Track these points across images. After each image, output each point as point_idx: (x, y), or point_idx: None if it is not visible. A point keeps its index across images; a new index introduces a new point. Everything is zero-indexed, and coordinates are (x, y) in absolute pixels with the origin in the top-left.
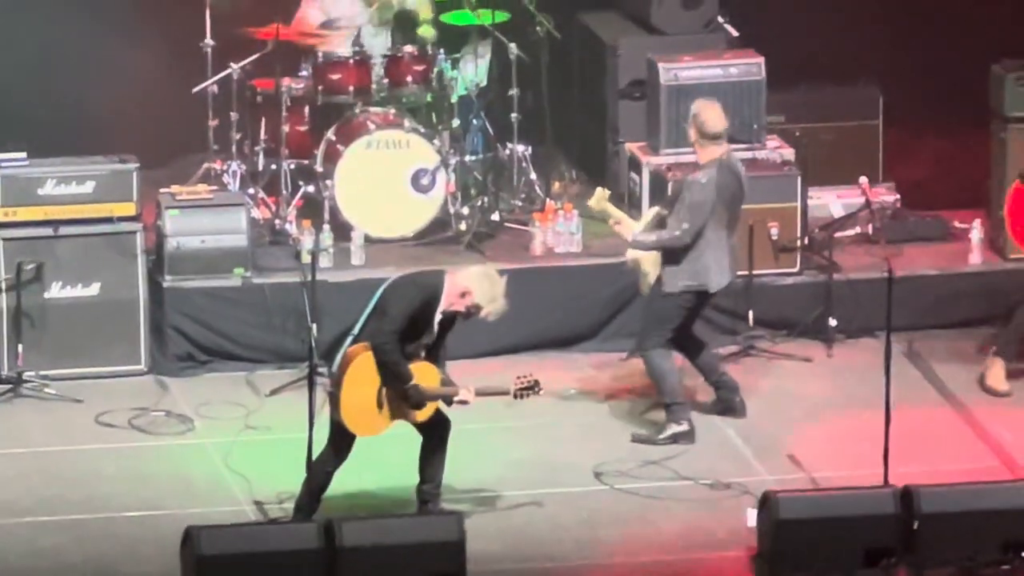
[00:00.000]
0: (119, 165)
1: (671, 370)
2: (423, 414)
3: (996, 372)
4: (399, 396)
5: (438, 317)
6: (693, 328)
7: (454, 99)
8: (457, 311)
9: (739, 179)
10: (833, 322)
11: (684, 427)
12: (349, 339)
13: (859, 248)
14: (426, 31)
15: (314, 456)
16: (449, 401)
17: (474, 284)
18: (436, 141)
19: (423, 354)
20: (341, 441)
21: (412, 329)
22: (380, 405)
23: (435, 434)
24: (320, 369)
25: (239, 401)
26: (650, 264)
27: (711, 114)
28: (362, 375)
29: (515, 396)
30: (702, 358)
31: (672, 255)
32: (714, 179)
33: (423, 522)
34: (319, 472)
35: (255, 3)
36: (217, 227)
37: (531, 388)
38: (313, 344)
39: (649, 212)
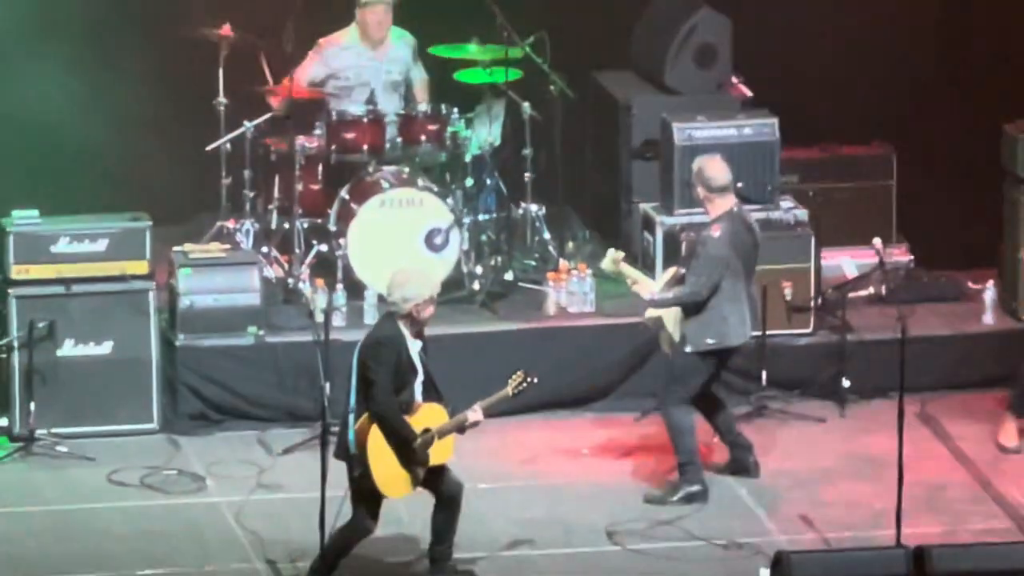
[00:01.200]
0: (132, 223)
1: (690, 429)
2: (441, 457)
3: (1007, 429)
4: (414, 454)
5: (415, 352)
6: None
7: (468, 158)
8: (418, 331)
9: (752, 230)
10: (846, 382)
11: (697, 487)
12: (351, 418)
13: (872, 308)
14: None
15: (335, 522)
16: (463, 428)
17: (409, 292)
18: (450, 200)
19: (420, 397)
20: (372, 507)
21: (399, 379)
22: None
23: (449, 495)
24: (332, 429)
25: (251, 460)
26: (671, 321)
27: (715, 168)
28: (381, 445)
29: (513, 394)
30: (720, 416)
31: (693, 311)
32: (728, 231)
33: None
34: (351, 539)
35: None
36: (230, 286)
37: (525, 381)
38: (326, 403)
39: (667, 272)
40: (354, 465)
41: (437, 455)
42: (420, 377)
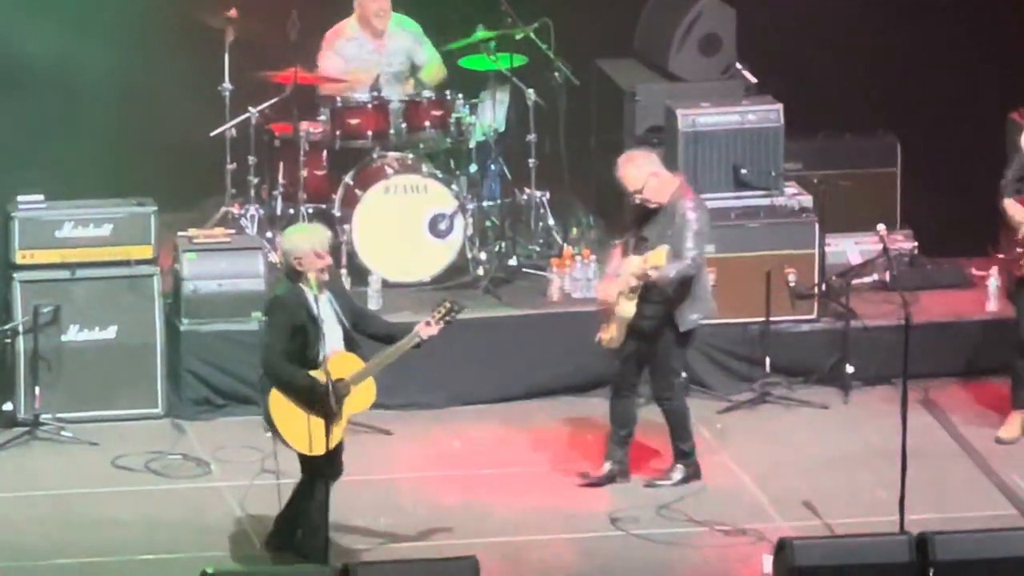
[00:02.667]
0: (137, 208)
1: (688, 412)
2: (360, 405)
3: (1010, 421)
4: (323, 403)
5: (321, 306)
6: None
7: (472, 144)
8: (321, 279)
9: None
10: (850, 369)
11: (693, 468)
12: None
13: (876, 295)
14: (428, 80)
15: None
16: (419, 344)
17: (297, 246)
18: (454, 186)
19: (341, 347)
20: (319, 465)
21: (301, 336)
22: (316, 418)
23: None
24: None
25: (255, 445)
26: (629, 311)
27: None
28: (282, 404)
29: (437, 322)
30: (628, 407)
31: (679, 291)
32: (701, 205)
33: (438, 567)
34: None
35: (274, 47)
36: (234, 271)
37: (452, 312)
38: (330, 388)
39: (619, 261)
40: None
41: (356, 404)
42: (335, 331)
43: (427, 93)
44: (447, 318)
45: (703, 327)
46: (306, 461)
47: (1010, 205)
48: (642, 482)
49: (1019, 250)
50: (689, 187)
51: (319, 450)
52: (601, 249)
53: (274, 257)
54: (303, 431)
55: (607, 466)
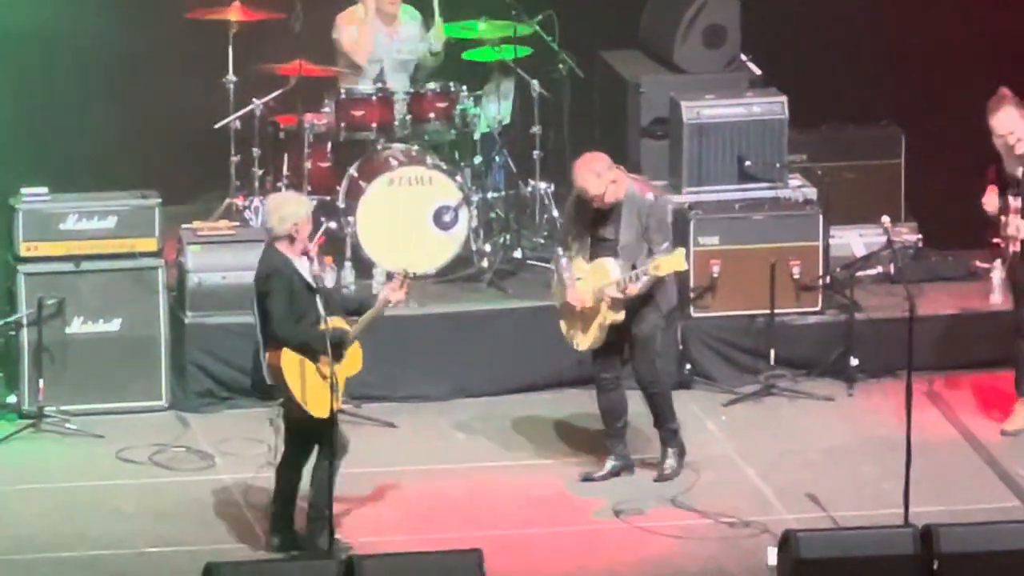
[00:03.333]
0: (141, 200)
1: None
2: (350, 369)
3: (1016, 414)
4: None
5: (307, 273)
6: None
7: (476, 136)
8: (309, 253)
9: None
10: (854, 361)
11: (680, 444)
12: (261, 354)
13: (880, 287)
14: (436, 38)
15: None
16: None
17: (296, 212)
18: (458, 178)
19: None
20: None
21: (299, 304)
22: (324, 377)
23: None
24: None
25: (259, 437)
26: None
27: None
28: (295, 368)
29: (402, 283)
30: (618, 398)
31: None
32: (656, 189)
33: (443, 559)
34: (293, 476)
35: (278, 39)
36: (239, 263)
37: (406, 276)
38: (334, 380)
39: (609, 264)
40: (276, 396)
41: (347, 367)
42: (318, 296)
43: (431, 85)
44: (407, 280)
45: (707, 320)
46: (314, 433)
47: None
48: (644, 472)
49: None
50: (637, 178)
51: (324, 412)
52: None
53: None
54: (318, 392)
55: (610, 462)
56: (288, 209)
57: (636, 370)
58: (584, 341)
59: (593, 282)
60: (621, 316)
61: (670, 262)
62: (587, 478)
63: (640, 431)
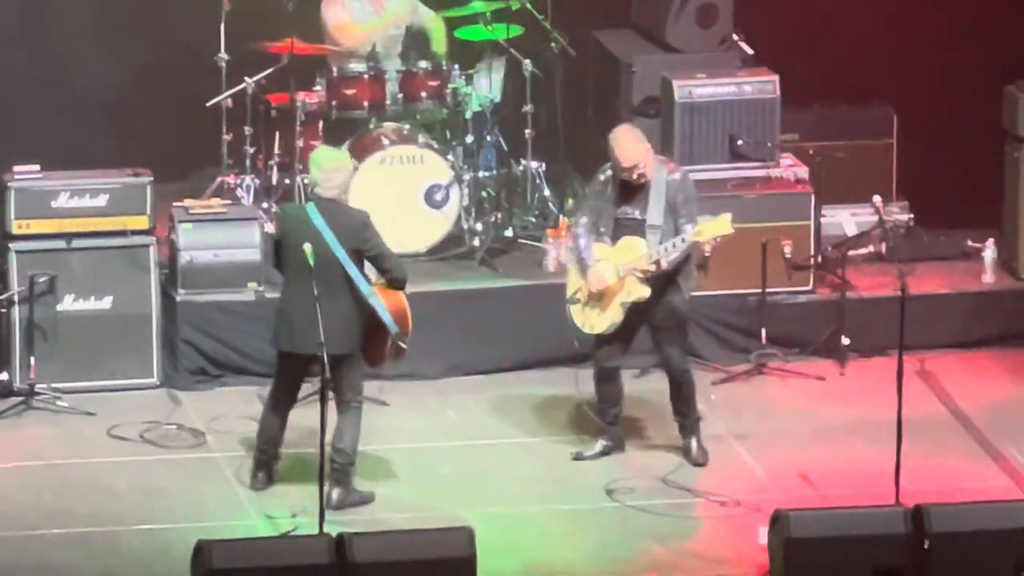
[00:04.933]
0: (133, 179)
1: None
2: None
3: None
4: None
5: None
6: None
7: (468, 115)
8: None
9: None
10: (846, 340)
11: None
12: (375, 301)
13: (872, 266)
14: (438, 47)
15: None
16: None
17: (341, 169)
18: (450, 157)
19: None
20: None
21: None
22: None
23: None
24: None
25: (251, 415)
26: (644, 292)
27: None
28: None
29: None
30: (618, 387)
31: (683, 259)
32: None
33: (434, 537)
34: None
35: (270, 17)
36: (230, 241)
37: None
38: (325, 359)
39: (638, 241)
40: (398, 343)
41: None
42: None
43: (423, 64)
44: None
45: (698, 298)
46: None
47: None
48: (635, 452)
49: None
50: (659, 157)
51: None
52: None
53: (270, 228)
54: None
55: (601, 442)
56: (351, 166)
57: (668, 357)
58: (602, 322)
59: (617, 260)
60: (647, 292)
61: (714, 226)
62: (578, 457)
63: (633, 418)
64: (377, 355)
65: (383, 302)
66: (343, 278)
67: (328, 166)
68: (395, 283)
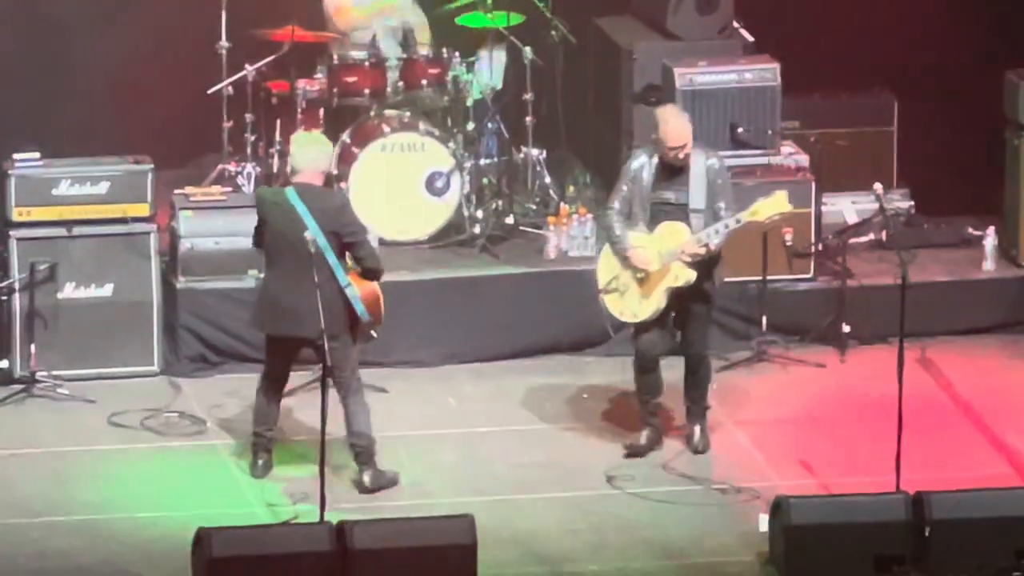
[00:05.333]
0: (133, 166)
1: None
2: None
3: None
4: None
5: None
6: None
7: (469, 102)
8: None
9: None
10: (846, 328)
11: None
12: (349, 290)
13: (873, 254)
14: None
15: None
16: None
17: (315, 146)
18: (451, 144)
19: None
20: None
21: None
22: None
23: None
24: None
25: (252, 403)
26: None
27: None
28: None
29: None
30: (659, 376)
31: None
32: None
33: (435, 525)
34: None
35: (271, 4)
36: (231, 229)
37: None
38: (326, 347)
39: (681, 226)
40: (372, 330)
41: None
42: None
43: (424, 51)
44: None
45: None
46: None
47: None
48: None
49: None
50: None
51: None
52: (598, 207)
53: None
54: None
55: (647, 433)
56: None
57: (691, 340)
58: (645, 309)
59: (660, 246)
60: (694, 276)
61: (772, 204)
62: (632, 452)
63: (634, 405)
64: None
65: (356, 289)
66: (324, 260)
67: (305, 145)
68: (369, 273)
